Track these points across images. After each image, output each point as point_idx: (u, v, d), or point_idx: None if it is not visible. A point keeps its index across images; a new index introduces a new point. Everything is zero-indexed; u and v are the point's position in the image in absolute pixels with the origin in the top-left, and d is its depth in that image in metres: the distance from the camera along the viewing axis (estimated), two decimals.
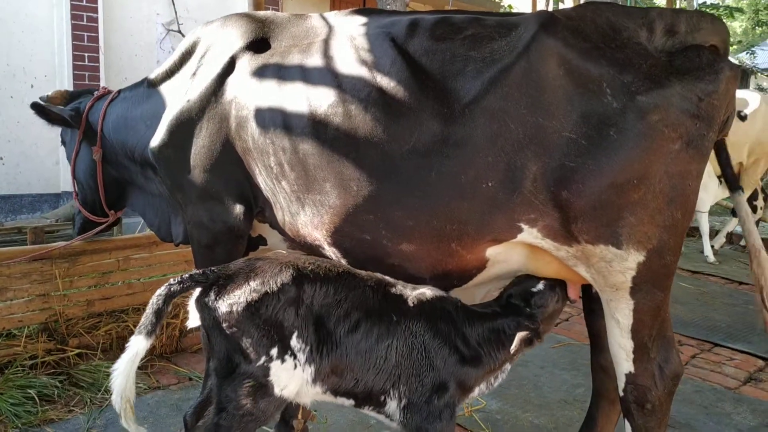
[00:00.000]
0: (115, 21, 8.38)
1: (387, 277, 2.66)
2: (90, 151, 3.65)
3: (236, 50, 2.96)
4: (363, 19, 2.84)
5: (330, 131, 2.64)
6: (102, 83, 8.11)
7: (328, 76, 2.71)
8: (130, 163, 3.49)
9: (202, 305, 2.36)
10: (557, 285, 2.69)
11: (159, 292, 2.35)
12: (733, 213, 9.21)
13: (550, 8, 12.48)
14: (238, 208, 2.98)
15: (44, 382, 3.75)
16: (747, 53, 22.55)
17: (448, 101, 2.48)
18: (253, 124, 2.82)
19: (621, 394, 2.65)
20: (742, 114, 8.71)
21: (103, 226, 3.89)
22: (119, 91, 3.67)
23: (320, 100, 2.68)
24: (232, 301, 2.31)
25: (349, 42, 2.75)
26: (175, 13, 8.85)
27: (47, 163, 7.94)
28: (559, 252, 2.52)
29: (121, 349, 4.24)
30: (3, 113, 7.54)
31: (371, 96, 2.58)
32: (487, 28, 2.55)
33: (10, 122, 7.60)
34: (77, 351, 4.10)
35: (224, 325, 2.31)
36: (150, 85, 3.39)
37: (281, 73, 2.83)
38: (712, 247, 8.65)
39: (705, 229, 8.54)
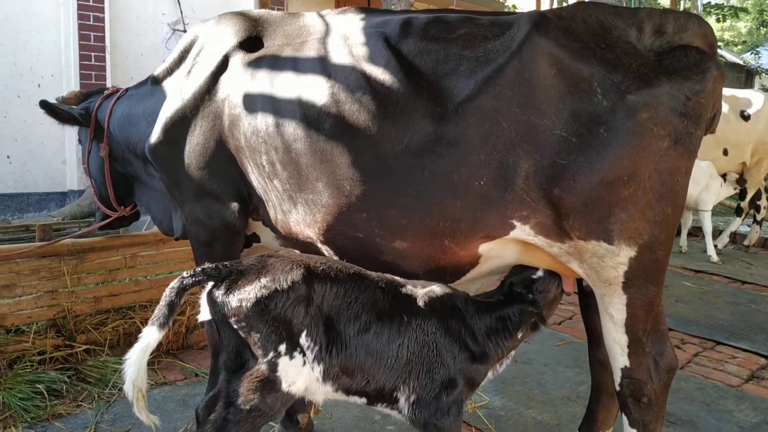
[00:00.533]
0: (121, 21, 8.43)
1: (397, 278, 2.69)
2: (99, 148, 3.72)
3: (229, 48, 2.98)
4: (356, 18, 2.85)
5: (323, 131, 2.65)
6: (108, 83, 8.15)
7: (320, 75, 2.72)
8: (135, 159, 3.57)
9: (213, 299, 2.39)
10: (555, 273, 2.74)
11: (172, 285, 2.38)
12: (737, 212, 9.22)
13: (554, 5, 12.47)
14: (234, 206, 3.01)
15: (53, 377, 3.80)
16: (751, 53, 22.56)
17: (441, 100, 2.51)
18: (246, 123, 2.85)
19: (617, 388, 2.68)
20: (746, 114, 8.73)
21: (110, 220, 3.92)
22: (126, 89, 3.74)
23: (313, 99, 2.69)
24: (241, 297, 2.33)
25: (342, 41, 2.77)
26: (181, 13, 8.89)
27: (54, 162, 7.99)
28: (552, 248, 2.56)
29: (129, 345, 4.28)
30: (10, 112, 7.59)
31: (364, 96, 2.60)
32: (480, 28, 2.57)
33: (17, 121, 7.65)
34: (85, 347, 4.15)
35: (233, 319, 2.34)
36: (153, 83, 3.45)
37: (273, 72, 2.85)
38: (716, 246, 8.66)
39: (708, 228, 8.55)
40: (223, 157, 2.95)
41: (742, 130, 8.71)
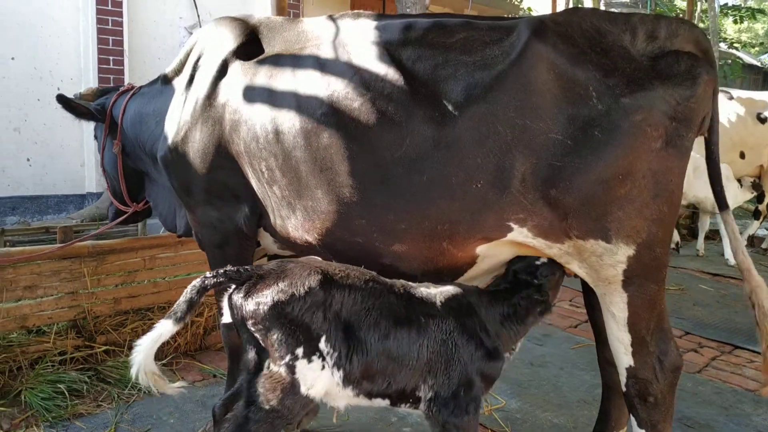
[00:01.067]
0: (139, 24, 8.51)
1: (410, 283, 2.71)
2: (113, 144, 3.79)
3: (229, 54, 3.02)
4: (355, 24, 2.87)
5: (322, 138, 2.67)
6: None
7: (318, 82, 2.73)
8: (144, 156, 3.64)
9: (233, 302, 2.43)
10: None
11: (194, 283, 2.42)
12: (755, 215, 9.15)
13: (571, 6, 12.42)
14: (243, 208, 3.06)
15: (73, 377, 3.85)
16: None
17: (439, 105, 2.53)
18: (245, 129, 2.87)
19: (624, 389, 2.71)
20: (763, 116, 8.67)
21: (124, 217, 3.99)
22: (140, 87, 3.82)
23: (311, 107, 2.70)
24: (260, 300, 2.37)
25: (341, 47, 2.79)
26: (198, 16, 8.96)
27: (73, 165, 8.08)
28: (551, 250, 2.60)
29: None
30: (30, 115, 7.68)
31: (363, 103, 2.61)
32: (479, 32, 2.60)
33: (38, 124, 7.74)
34: (105, 348, 4.20)
35: (251, 322, 2.38)
36: (162, 82, 3.53)
37: (272, 78, 2.87)
38: None
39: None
40: (226, 161, 2.99)
41: (759, 133, 8.65)
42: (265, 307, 2.36)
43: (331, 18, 3.00)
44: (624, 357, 2.64)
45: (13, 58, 7.53)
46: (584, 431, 3.70)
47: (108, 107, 3.80)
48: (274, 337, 2.36)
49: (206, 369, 4.27)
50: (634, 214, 2.44)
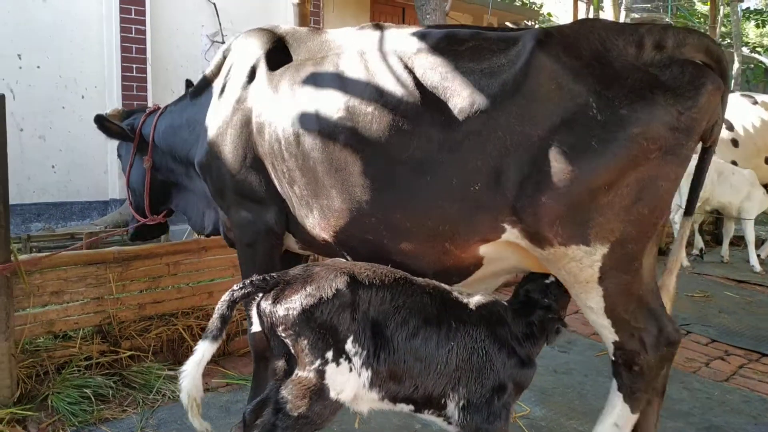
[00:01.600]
0: (162, 33, 8.61)
1: (443, 284, 2.72)
2: (142, 161, 3.98)
3: (257, 62, 3.20)
4: (373, 35, 3.01)
5: (337, 141, 2.82)
6: (149, 94, 8.33)
7: (336, 89, 2.88)
8: (177, 165, 3.86)
9: (262, 310, 2.45)
10: None
11: (224, 298, 2.45)
12: None
13: (590, 16, 12.41)
14: (272, 208, 3.21)
15: (99, 382, 3.88)
16: None
17: (444, 110, 2.64)
18: (269, 131, 3.05)
19: (612, 358, 2.82)
20: None
21: (144, 221, 4.17)
22: (166, 107, 4.02)
23: (328, 111, 2.86)
24: (288, 305, 2.38)
25: (358, 57, 2.92)
26: (220, 25, 9.05)
27: (97, 172, 8.17)
28: (534, 252, 2.68)
29: (171, 351, 4.39)
30: (55, 123, 7.79)
31: (375, 108, 2.75)
32: (487, 42, 2.70)
33: (62, 132, 7.85)
34: (129, 353, 4.22)
35: (280, 328, 2.39)
36: (192, 95, 3.73)
37: (294, 84, 3.03)
38: (758, 256, 8.48)
39: (751, 238, 8.37)
40: (253, 163, 3.16)
41: None
42: (294, 312, 2.37)
43: (354, 29, 3.16)
44: (610, 335, 2.75)
45: (38, 67, 7.65)
46: None
47: (137, 127, 4.01)
48: (304, 342, 2.37)
49: (230, 375, 4.28)
50: (613, 217, 2.50)
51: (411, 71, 2.74)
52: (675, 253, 2.96)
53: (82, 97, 7.96)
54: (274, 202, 3.19)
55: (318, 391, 2.36)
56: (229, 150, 3.20)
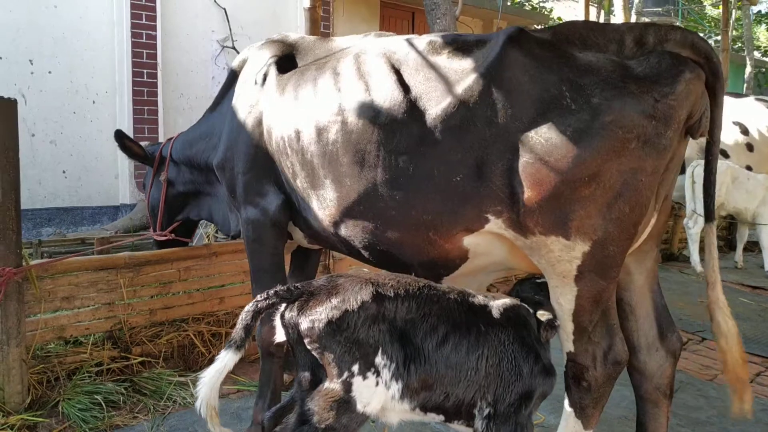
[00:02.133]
0: (172, 38, 8.62)
1: (467, 289, 2.70)
2: (160, 182, 4.29)
3: (269, 68, 3.45)
4: (372, 41, 3.24)
5: (330, 136, 3.01)
6: (159, 99, 8.35)
7: (331, 88, 3.09)
8: (196, 174, 4.11)
9: (286, 321, 2.42)
10: None
11: (247, 308, 2.43)
12: None
13: (601, 20, 12.37)
14: (277, 203, 3.40)
15: (110, 388, 3.85)
16: None
17: (426, 107, 2.77)
18: (277, 130, 3.27)
19: (564, 369, 2.80)
20: None
21: (153, 235, 4.42)
22: (179, 134, 4.37)
23: (323, 108, 3.06)
24: (314, 318, 2.35)
25: (353, 60, 3.12)
26: (230, 29, 9.06)
27: (107, 177, 8.19)
28: (517, 242, 2.71)
29: (182, 357, 4.37)
30: (66, 128, 7.81)
31: (364, 105, 2.92)
32: (466, 44, 2.84)
33: (73, 137, 7.86)
34: (140, 359, 4.20)
35: (306, 340, 2.36)
36: (209, 110, 4.06)
37: (298, 86, 3.26)
38: None
39: (766, 243, 8.28)
40: (264, 161, 3.38)
41: None
42: (321, 325, 2.34)
43: (358, 37, 3.42)
44: (566, 342, 2.75)
45: (50, 72, 7.68)
46: None
47: (157, 152, 4.32)
48: (331, 355, 2.33)
49: (240, 381, 4.25)
50: (594, 213, 2.51)
51: (398, 72, 2.90)
52: (710, 265, 2.83)
53: (93, 102, 7.98)
54: (279, 197, 3.39)
55: (345, 403, 2.32)
56: (242, 150, 3.43)
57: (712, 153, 2.77)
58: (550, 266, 2.65)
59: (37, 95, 7.60)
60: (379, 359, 2.36)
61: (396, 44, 3.07)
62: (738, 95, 9.29)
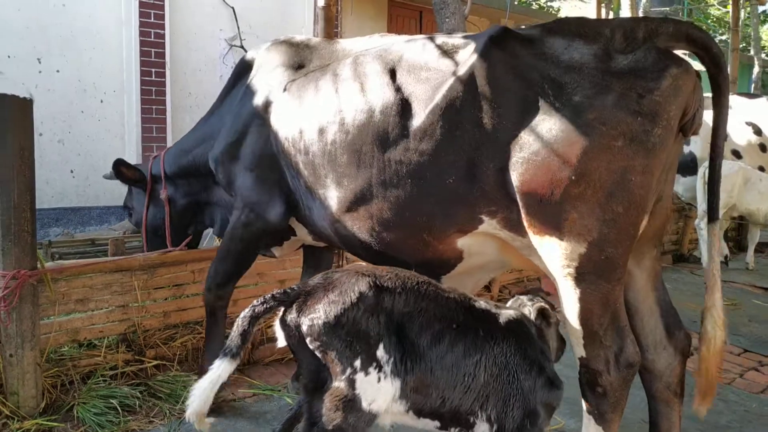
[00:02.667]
0: (181, 37, 8.58)
1: (468, 293, 2.67)
2: (158, 199, 4.26)
3: (276, 71, 3.53)
4: (374, 42, 3.29)
5: (329, 137, 3.07)
6: (167, 98, 8.31)
7: (331, 90, 3.16)
8: (195, 184, 4.15)
9: (286, 324, 2.37)
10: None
11: (243, 314, 2.36)
12: None
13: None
14: (276, 206, 3.47)
15: (125, 392, 3.80)
16: None
17: (417, 108, 2.79)
18: (283, 132, 3.33)
19: (578, 375, 2.77)
20: None
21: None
22: (169, 147, 4.44)
23: (323, 110, 3.13)
24: (313, 316, 2.32)
25: (353, 63, 3.18)
26: (238, 29, 9.01)
27: None
28: (514, 242, 2.74)
29: (197, 360, 4.31)
30: (74, 127, 7.76)
31: (359, 107, 2.97)
32: (454, 45, 2.87)
33: (81, 136, 7.81)
34: (155, 362, 4.15)
35: (308, 340, 2.31)
36: (205, 117, 4.12)
37: (302, 88, 3.34)
38: None
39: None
40: (268, 161, 3.44)
41: None
42: (320, 322, 2.30)
43: (359, 40, 3.49)
44: (577, 348, 2.71)
45: (58, 71, 7.63)
46: None
47: (147, 172, 4.30)
48: (333, 352, 2.30)
49: (256, 384, 4.20)
50: (586, 213, 2.48)
51: (393, 74, 2.94)
52: (710, 268, 2.80)
53: (101, 101, 7.93)
54: (282, 197, 3.46)
55: (350, 401, 2.29)
56: (248, 151, 3.50)
57: (716, 150, 2.71)
58: (549, 267, 2.65)
59: (45, 94, 7.54)
60: (381, 353, 2.32)
61: (392, 46, 3.11)
62: (751, 96, 9.22)
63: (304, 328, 2.31)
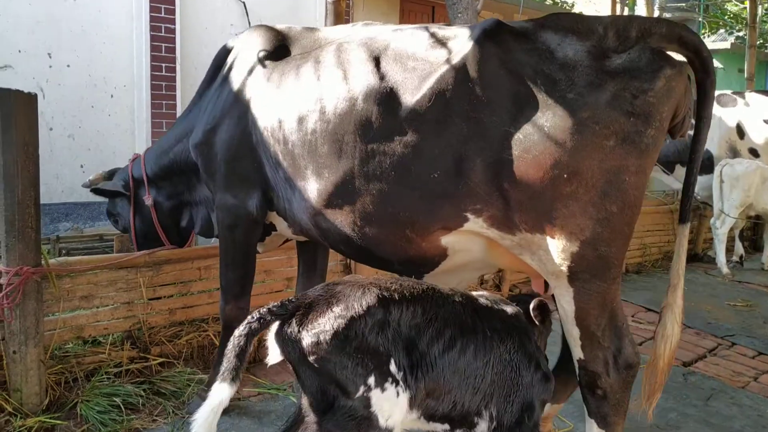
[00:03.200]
0: (191, 32, 8.53)
1: (470, 292, 2.61)
2: (144, 204, 4.16)
3: (256, 58, 3.42)
4: (358, 31, 3.20)
5: (309, 126, 2.99)
6: (178, 93, 8.27)
7: (312, 79, 3.07)
8: (176, 179, 4.05)
9: (285, 338, 2.22)
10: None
11: (239, 332, 2.20)
12: None
13: (625, 14, 12.15)
14: (256, 195, 3.40)
15: (129, 390, 3.77)
16: None
17: (403, 98, 2.71)
18: (261, 121, 3.25)
19: (578, 378, 2.76)
20: None
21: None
22: (147, 149, 4.36)
23: (303, 99, 3.04)
24: (317, 330, 2.18)
25: (336, 51, 3.09)
26: (249, 23, 8.95)
27: None
28: (504, 241, 2.68)
29: (202, 358, 4.28)
30: (84, 122, 7.74)
31: (341, 97, 2.88)
32: (445, 36, 2.80)
33: (91, 131, 7.79)
34: (160, 360, 4.12)
35: (312, 357, 2.17)
36: (183, 114, 4.06)
37: (283, 76, 3.25)
38: None
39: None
40: (247, 151, 3.36)
41: None
42: (326, 337, 2.16)
43: (343, 27, 3.40)
44: (575, 349, 2.70)
45: (68, 66, 7.60)
46: None
47: (128, 178, 4.20)
48: (342, 369, 2.16)
49: (261, 383, 4.16)
50: (578, 212, 2.46)
51: (378, 64, 2.85)
52: (675, 267, 2.78)
53: (112, 96, 7.90)
54: (259, 189, 3.39)
55: (366, 420, 2.18)
56: (225, 138, 3.41)
57: (696, 151, 2.66)
58: (542, 265, 2.62)
59: (56, 89, 7.51)
60: (393, 367, 2.21)
61: (379, 34, 3.02)
62: None
63: (307, 344, 2.17)
